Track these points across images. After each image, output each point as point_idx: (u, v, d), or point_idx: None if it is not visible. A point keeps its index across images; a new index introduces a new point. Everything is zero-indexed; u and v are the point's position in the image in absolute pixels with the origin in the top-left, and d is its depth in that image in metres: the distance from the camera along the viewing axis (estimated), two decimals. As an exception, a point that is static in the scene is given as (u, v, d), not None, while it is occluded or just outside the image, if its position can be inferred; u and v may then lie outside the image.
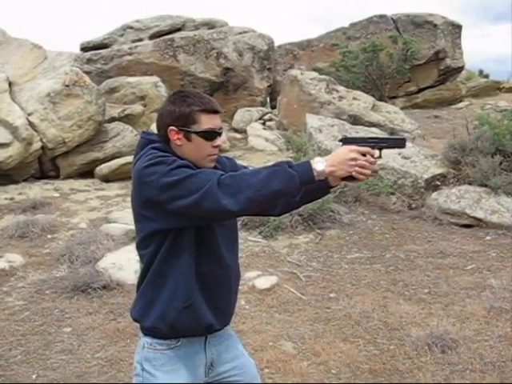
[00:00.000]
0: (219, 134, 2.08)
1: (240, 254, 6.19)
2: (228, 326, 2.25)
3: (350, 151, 1.97)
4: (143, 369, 2.09)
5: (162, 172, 1.91)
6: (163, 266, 2.04)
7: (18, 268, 5.68)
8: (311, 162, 1.94)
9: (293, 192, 1.92)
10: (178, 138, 2.04)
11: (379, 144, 2.07)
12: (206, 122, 2.03)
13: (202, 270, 2.05)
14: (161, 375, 2.07)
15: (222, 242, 2.10)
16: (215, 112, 2.06)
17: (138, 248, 2.12)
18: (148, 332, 2.10)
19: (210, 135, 2.04)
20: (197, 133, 2.02)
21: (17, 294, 5.17)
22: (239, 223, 6.76)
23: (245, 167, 2.24)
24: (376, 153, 2.04)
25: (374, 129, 9.40)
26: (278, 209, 2.24)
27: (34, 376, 3.82)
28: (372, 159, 2.01)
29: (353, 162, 1.95)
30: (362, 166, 1.97)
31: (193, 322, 2.05)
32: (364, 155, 1.99)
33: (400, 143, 2.14)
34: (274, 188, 1.85)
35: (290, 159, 2.09)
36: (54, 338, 4.35)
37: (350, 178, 2.01)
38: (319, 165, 1.92)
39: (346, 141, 2.17)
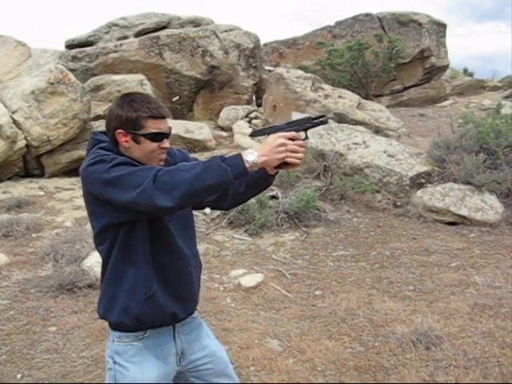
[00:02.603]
0: (167, 136, 2.10)
1: (226, 252, 6.21)
2: (198, 316, 2.30)
3: (277, 138, 1.98)
4: (115, 362, 2.12)
5: (102, 170, 1.95)
6: (120, 260, 2.07)
7: (3, 267, 5.64)
8: (243, 154, 1.95)
9: (227, 185, 1.95)
10: (126, 141, 2.07)
11: (303, 126, 2.07)
12: (153, 126, 2.06)
13: (159, 260, 2.09)
14: (132, 366, 2.10)
15: (175, 231, 2.13)
16: (162, 117, 2.09)
17: (96, 245, 2.16)
18: (115, 326, 2.13)
19: (158, 137, 2.07)
20: (144, 135, 2.05)
21: (1, 293, 5.12)
22: (225, 221, 6.76)
23: (196, 159, 2.25)
24: (302, 135, 2.06)
25: (359, 127, 9.44)
26: (227, 202, 2.28)
27: (18, 376, 3.79)
28: (301, 142, 2.02)
29: (283, 148, 1.97)
30: (293, 151, 1.98)
31: (156, 312, 2.09)
32: (293, 140, 2.00)
33: (317, 122, 2.09)
34: (207, 183, 1.88)
35: (224, 153, 2.10)
36: (39, 337, 4.32)
37: (283, 164, 2.02)
38: (250, 156, 1.94)
39: (255, 134, 2.21)
